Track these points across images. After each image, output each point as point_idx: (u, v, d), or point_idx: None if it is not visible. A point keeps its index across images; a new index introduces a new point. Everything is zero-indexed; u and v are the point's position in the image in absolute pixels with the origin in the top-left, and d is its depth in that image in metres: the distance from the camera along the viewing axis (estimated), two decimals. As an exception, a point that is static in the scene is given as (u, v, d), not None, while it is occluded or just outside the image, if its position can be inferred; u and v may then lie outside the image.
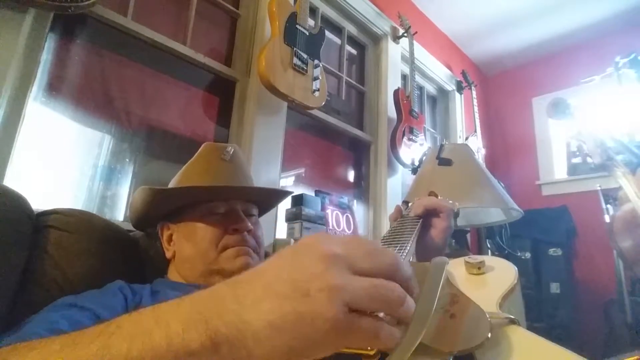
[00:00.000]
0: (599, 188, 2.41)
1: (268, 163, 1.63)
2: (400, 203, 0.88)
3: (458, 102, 3.23)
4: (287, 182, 1.94)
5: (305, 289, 0.28)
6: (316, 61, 1.71)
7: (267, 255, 0.87)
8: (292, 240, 1.51)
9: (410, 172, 2.30)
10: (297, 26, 1.65)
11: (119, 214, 1.33)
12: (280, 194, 1.04)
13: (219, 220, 0.79)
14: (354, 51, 2.54)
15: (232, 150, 0.86)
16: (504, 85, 3.75)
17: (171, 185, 0.86)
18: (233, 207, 0.81)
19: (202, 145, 0.88)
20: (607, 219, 2.33)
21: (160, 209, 0.81)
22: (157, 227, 0.85)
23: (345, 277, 0.28)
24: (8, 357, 0.33)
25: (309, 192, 1.80)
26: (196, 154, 0.87)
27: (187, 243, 0.79)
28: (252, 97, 1.65)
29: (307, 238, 0.32)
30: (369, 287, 0.28)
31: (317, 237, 0.32)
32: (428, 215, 0.77)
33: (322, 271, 0.28)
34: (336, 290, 0.27)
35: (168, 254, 0.81)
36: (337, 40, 2.36)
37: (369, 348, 0.32)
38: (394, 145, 2.25)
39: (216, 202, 0.80)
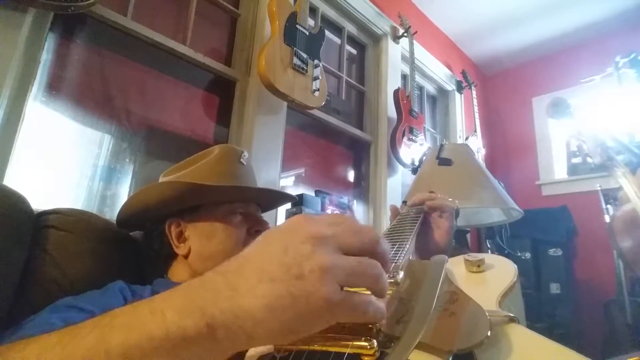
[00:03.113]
0: (599, 188, 2.41)
1: (268, 163, 1.63)
2: (399, 203, 0.88)
3: (458, 102, 3.23)
4: (287, 182, 1.94)
5: (298, 270, 0.29)
6: (316, 61, 1.71)
7: None
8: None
9: (410, 172, 2.30)
10: (297, 26, 1.65)
11: (119, 213, 1.33)
12: (288, 199, 1.07)
13: (242, 221, 0.82)
14: (353, 51, 2.54)
15: (247, 154, 0.90)
16: (504, 85, 3.75)
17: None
18: (249, 208, 0.85)
19: (219, 147, 0.87)
20: (607, 219, 2.33)
21: (180, 204, 0.80)
22: (159, 224, 0.83)
23: (335, 257, 0.30)
24: (5, 354, 0.33)
25: (309, 192, 1.80)
26: (214, 155, 0.86)
27: (208, 241, 0.79)
28: (252, 97, 1.65)
29: (293, 220, 0.33)
30: (356, 265, 0.30)
31: (302, 218, 0.33)
32: (430, 215, 0.77)
33: (312, 252, 0.29)
34: (327, 270, 0.29)
35: (180, 251, 0.80)
36: (337, 40, 2.36)
37: (368, 347, 0.32)
38: (394, 145, 2.25)
39: (237, 202, 0.83)
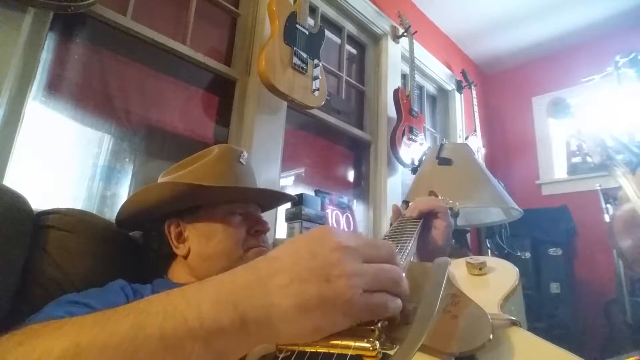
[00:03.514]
0: (598, 188, 2.41)
1: (268, 162, 1.63)
2: (399, 203, 0.88)
3: (458, 101, 3.23)
4: (287, 181, 1.94)
5: (326, 275, 0.32)
6: (316, 60, 1.71)
7: None
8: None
9: (410, 171, 2.30)
10: (297, 25, 1.65)
11: (119, 213, 1.32)
12: (288, 199, 1.07)
13: (241, 221, 0.82)
14: (353, 50, 2.54)
15: (246, 154, 0.89)
16: (504, 84, 3.75)
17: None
18: (249, 209, 0.85)
19: (218, 147, 0.87)
20: (607, 218, 2.34)
21: (179, 204, 0.80)
22: (158, 224, 0.83)
23: (358, 265, 0.33)
24: (41, 331, 0.33)
25: (309, 191, 1.80)
26: (214, 155, 0.85)
27: (208, 242, 0.79)
28: (251, 97, 1.65)
29: (319, 229, 0.36)
30: (377, 271, 0.34)
31: (328, 229, 0.36)
32: (427, 217, 0.77)
33: (339, 260, 0.32)
34: (353, 276, 0.32)
35: (180, 251, 0.80)
36: (337, 40, 2.36)
37: (370, 349, 0.32)
38: (393, 145, 2.25)
39: (236, 203, 0.83)
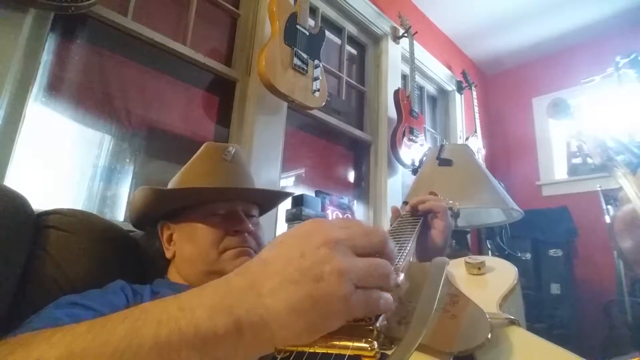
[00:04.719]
0: (599, 188, 2.41)
1: (268, 163, 1.63)
2: (399, 204, 0.88)
3: (458, 102, 3.23)
4: (287, 182, 1.94)
5: (317, 273, 0.31)
6: (316, 61, 1.71)
7: None
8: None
9: (411, 172, 2.30)
10: (297, 26, 1.65)
11: (119, 214, 1.33)
12: (281, 195, 1.03)
13: (220, 221, 0.78)
14: (354, 51, 2.54)
15: (234, 150, 0.86)
16: (504, 85, 3.75)
17: (171, 185, 0.86)
18: (234, 208, 0.81)
19: (203, 145, 0.87)
20: (607, 219, 2.33)
21: (160, 209, 0.81)
22: (157, 226, 0.85)
23: (350, 260, 0.32)
24: (32, 341, 0.33)
25: (309, 192, 1.80)
26: (197, 154, 0.86)
27: (187, 243, 0.78)
28: (252, 97, 1.65)
29: (307, 224, 0.35)
30: (369, 266, 0.33)
31: (316, 223, 0.35)
32: (426, 216, 0.77)
33: (329, 256, 0.31)
34: (344, 272, 0.31)
35: (168, 254, 0.81)
36: (337, 41, 2.36)
37: (369, 349, 0.32)
38: (394, 146, 2.25)
39: (218, 202, 0.80)
